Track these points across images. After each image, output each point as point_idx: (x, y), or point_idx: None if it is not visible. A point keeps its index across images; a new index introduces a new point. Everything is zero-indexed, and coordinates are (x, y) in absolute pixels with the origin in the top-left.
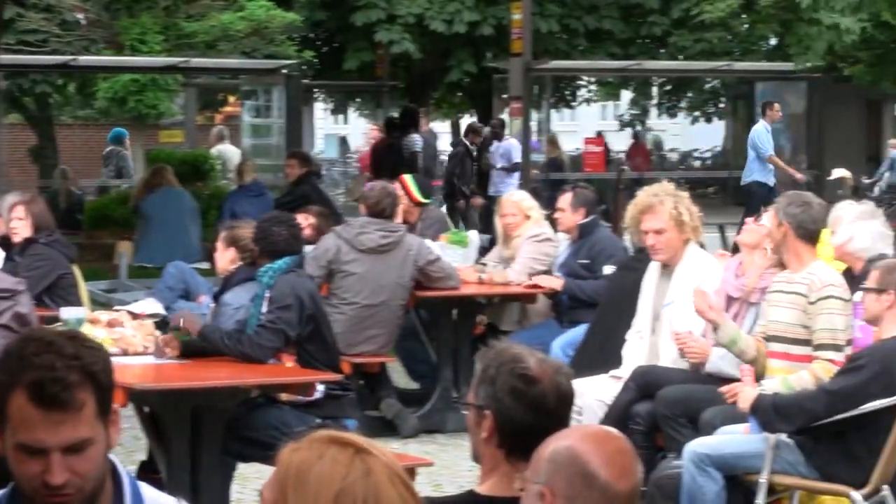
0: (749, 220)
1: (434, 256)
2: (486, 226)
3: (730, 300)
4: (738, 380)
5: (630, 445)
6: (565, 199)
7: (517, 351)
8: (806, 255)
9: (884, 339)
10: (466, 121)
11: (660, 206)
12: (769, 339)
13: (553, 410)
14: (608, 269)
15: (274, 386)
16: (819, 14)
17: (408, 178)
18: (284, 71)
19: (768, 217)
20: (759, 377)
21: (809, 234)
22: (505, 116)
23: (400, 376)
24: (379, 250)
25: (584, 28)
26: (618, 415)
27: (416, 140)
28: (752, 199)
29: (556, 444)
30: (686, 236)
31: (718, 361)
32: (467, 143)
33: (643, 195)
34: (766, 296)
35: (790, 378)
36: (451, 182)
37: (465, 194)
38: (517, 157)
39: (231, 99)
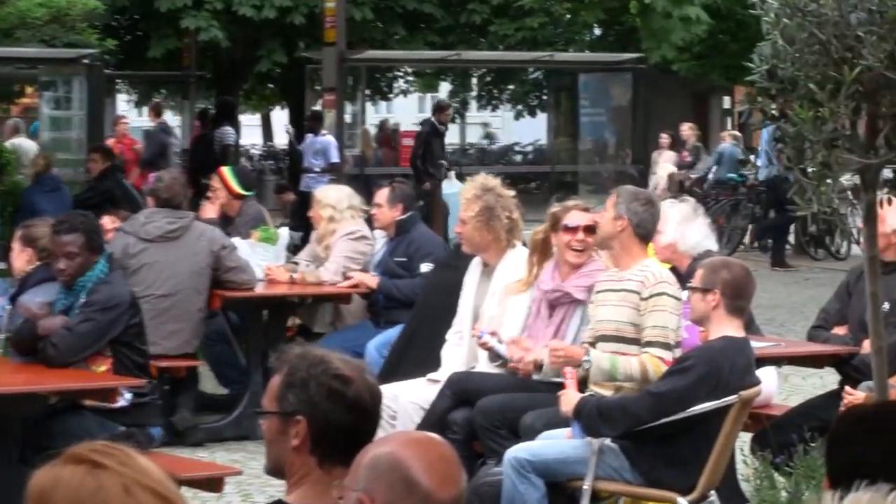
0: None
1: (228, 243)
2: (298, 222)
3: (553, 307)
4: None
5: (454, 452)
6: (382, 195)
7: (319, 352)
8: (638, 253)
9: (711, 340)
10: (278, 114)
11: (473, 198)
12: (599, 339)
13: (370, 410)
14: (425, 268)
15: (72, 392)
16: (669, 5)
17: (226, 170)
18: (85, 60)
19: (609, 205)
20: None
21: (646, 235)
22: (319, 108)
23: (209, 381)
24: (168, 237)
25: (403, 10)
26: (434, 422)
27: (228, 133)
28: None
29: (376, 449)
30: (498, 236)
31: (546, 369)
32: (434, 121)
33: (466, 185)
34: (594, 296)
35: (619, 359)
36: (414, 164)
37: (436, 177)
38: (335, 157)
39: (28, 90)
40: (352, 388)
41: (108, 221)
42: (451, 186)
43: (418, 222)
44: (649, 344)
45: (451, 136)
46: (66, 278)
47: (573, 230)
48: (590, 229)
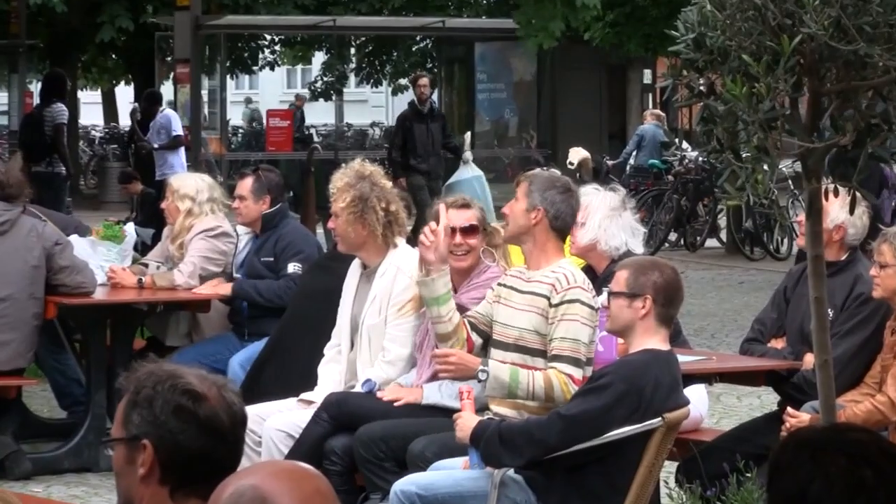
0: None
1: (63, 240)
2: (148, 217)
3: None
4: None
5: (330, 486)
6: (245, 186)
7: (171, 367)
8: (554, 251)
9: (631, 354)
10: (123, 90)
11: (345, 187)
12: (497, 346)
13: (228, 432)
14: (293, 268)
15: None
16: None
17: None
18: None
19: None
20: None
21: (563, 229)
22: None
23: (42, 403)
24: None
25: None
26: (309, 450)
27: (60, 111)
28: None
29: (239, 482)
30: (374, 231)
31: (435, 393)
32: (415, 99)
33: (337, 173)
34: (494, 287)
35: (520, 372)
36: (390, 156)
37: (419, 170)
38: (177, 130)
39: None
40: (204, 405)
41: None
42: (468, 171)
43: (288, 216)
44: (556, 358)
45: (326, 116)
46: None
47: (452, 232)
48: (469, 231)
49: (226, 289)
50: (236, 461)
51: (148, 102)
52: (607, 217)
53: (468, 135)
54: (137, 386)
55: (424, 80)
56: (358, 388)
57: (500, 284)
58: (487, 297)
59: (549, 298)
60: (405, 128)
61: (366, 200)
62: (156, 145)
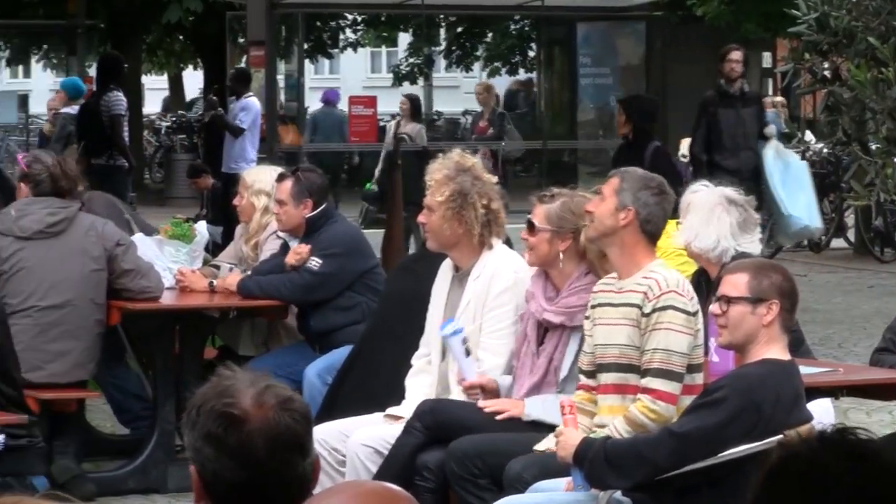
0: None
1: (125, 240)
2: (220, 214)
3: (545, 330)
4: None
5: None
6: (284, 189)
7: (227, 382)
8: (643, 255)
9: (748, 365)
10: (191, 75)
11: (444, 179)
12: (600, 369)
13: (264, 460)
14: (311, 263)
15: None
16: None
17: None
18: None
19: (608, 191)
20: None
21: (655, 233)
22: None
23: (105, 418)
24: (48, 233)
25: None
26: (400, 467)
27: (117, 99)
28: None
29: None
30: (471, 230)
31: (538, 408)
32: (721, 79)
33: (434, 164)
34: (589, 311)
35: (604, 436)
36: (691, 150)
37: (728, 169)
38: (245, 122)
39: None
40: (237, 431)
41: None
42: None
43: (334, 217)
44: (646, 372)
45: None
46: None
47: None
48: (529, 227)
49: (231, 283)
50: (284, 490)
51: (237, 82)
52: (703, 217)
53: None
54: (190, 405)
55: (737, 55)
56: (447, 332)
57: (593, 306)
58: (587, 330)
59: (641, 308)
60: (709, 115)
61: (465, 196)
62: (245, 126)
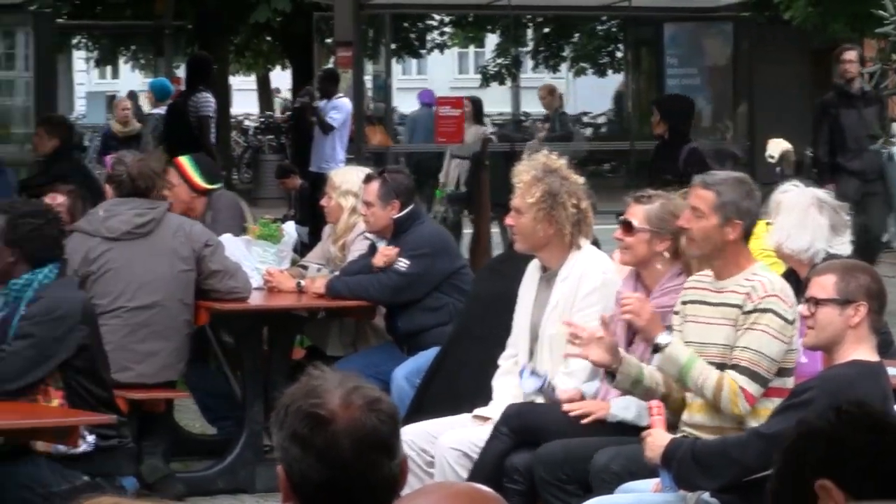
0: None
1: (213, 240)
2: (306, 214)
3: (635, 331)
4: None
5: None
6: (371, 191)
7: (315, 382)
8: (746, 258)
9: (836, 366)
10: (279, 75)
11: (533, 181)
12: None
13: (350, 461)
14: (399, 264)
15: (21, 431)
16: None
17: (185, 160)
18: (32, 7)
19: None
20: (671, 424)
21: (751, 232)
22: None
23: (193, 417)
24: (136, 233)
25: None
26: (488, 469)
27: (205, 100)
28: None
29: None
30: (562, 230)
31: (622, 412)
32: (840, 79)
33: (521, 165)
34: (679, 307)
35: (700, 362)
36: (815, 153)
37: (852, 171)
38: (335, 120)
39: None
40: (324, 432)
41: (49, 200)
42: None
43: (421, 218)
44: (734, 367)
45: (500, 103)
46: None
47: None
48: (625, 226)
49: (319, 285)
50: (371, 490)
51: (327, 82)
52: (795, 217)
53: None
54: (278, 405)
55: (851, 55)
56: (524, 381)
57: (684, 302)
58: (676, 325)
59: (741, 307)
60: (830, 117)
61: (555, 196)
62: (336, 125)
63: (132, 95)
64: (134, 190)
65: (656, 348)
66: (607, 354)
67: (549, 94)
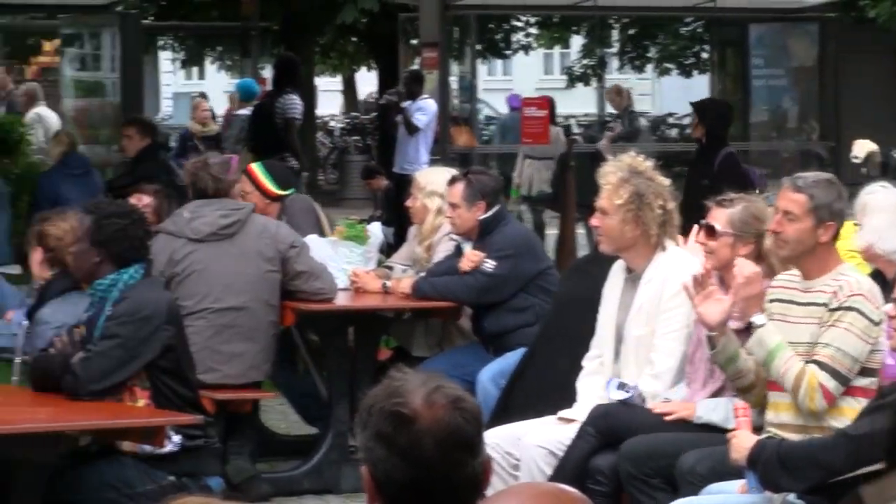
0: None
1: (298, 241)
2: (392, 215)
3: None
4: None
5: None
6: (456, 192)
7: (404, 382)
8: (835, 258)
9: None
10: (364, 76)
11: (620, 182)
12: None
13: (434, 461)
14: (486, 265)
15: (108, 431)
16: None
17: (257, 168)
18: (118, 8)
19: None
20: (757, 426)
21: (837, 232)
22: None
23: (279, 418)
24: (221, 235)
25: None
26: (573, 470)
27: (292, 102)
28: None
29: None
30: (648, 231)
31: (708, 413)
32: None
33: (607, 166)
34: (767, 305)
35: (787, 351)
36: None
37: None
38: (420, 122)
39: (47, 46)
40: (408, 431)
41: (134, 202)
42: None
43: (506, 219)
44: (816, 363)
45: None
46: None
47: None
48: (708, 230)
49: (405, 286)
50: (455, 490)
51: (413, 83)
52: (886, 218)
53: None
54: (362, 405)
55: None
56: (610, 391)
57: (770, 300)
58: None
59: (827, 305)
60: None
61: (642, 197)
62: (421, 125)
63: (204, 96)
64: (201, 192)
65: (749, 327)
66: (718, 315)
67: (618, 95)
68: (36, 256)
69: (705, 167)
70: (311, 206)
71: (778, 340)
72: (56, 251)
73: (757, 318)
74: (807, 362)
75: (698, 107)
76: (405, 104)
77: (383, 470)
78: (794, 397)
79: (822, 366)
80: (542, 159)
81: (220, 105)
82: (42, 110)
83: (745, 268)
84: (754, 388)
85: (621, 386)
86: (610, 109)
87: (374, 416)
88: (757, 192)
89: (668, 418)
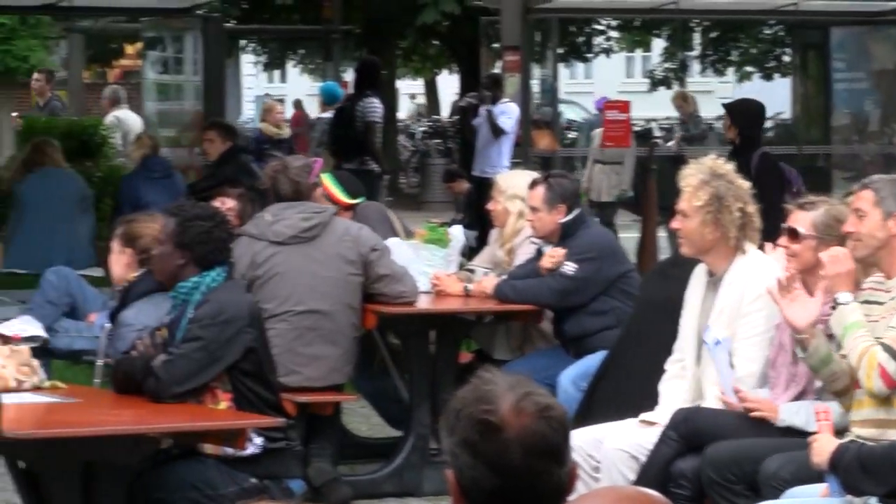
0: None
1: (380, 245)
2: (474, 218)
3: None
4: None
5: None
6: (537, 196)
7: (492, 387)
8: None
9: None
10: (446, 79)
11: (700, 184)
12: None
13: (521, 468)
14: (566, 268)
15: (190, 434)
16: None
17: (327, 179)
18: (201, 11)
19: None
20: (839, 430)
21: None
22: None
23: (360, 420)
24: (303, 237)
25: None
26: (655, 474)
27: (372, 106)
28: None
29: None
30: (727, 234)
31: (791, 417)
32: None
33: (687, 169)
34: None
35: (861, 331)
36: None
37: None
38: (504, 124)
39: (129, 49)
40: (495, 439)
41: (217, 205)
42: None
43: (587, 222)
44: (881, 344)
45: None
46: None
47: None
48: (790, 234)
49: (487, 289)
50: (540, 498)
51: (495, 86)
52: None
53: None
54: (448, 409)
55: None
56: (710, 341)
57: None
58: None
59: None
60: None
61: (722, 200)
62: (508, 129)
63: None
64: (287, 194)
65: (835, 304)
66: (806, 318)
67: (683, 101)
68: (122, 259)
69: (739, 169)
70: (384, 213)
71: (856, 318)
72: (144, 251)
73: (842, 296)
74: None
75: (730, 108)
76: (488, 107)
77: (469, 477)
78: (856, 374)
79: (885, 347)
80: (611, 164)
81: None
82: (121, 113)
83: (834, 250)
84: (850, 391)
85: (717, 342)
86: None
87: (461, 421)
88: (795, 191)
89: (752, 415)
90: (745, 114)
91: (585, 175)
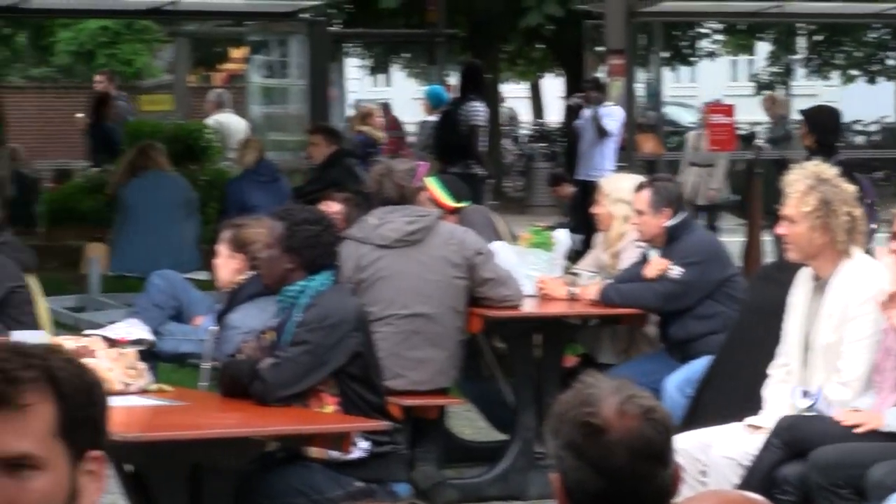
0: None
1: (485, 248)
2: (579, 221)
3: None
4: None
5: None
6: (643, 199)
7: (595, 390)
8: None
9: None
10: (550, 83)
11: (807, 190)
12: None
13: (625, 471)
14: (673, 272)
15: (296, 437)
16: None
17: (432, 182)
18: (306, 15)
19: None
20: None
21: None
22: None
23: (464, 424)
24: (407, 241)
25: None
26: (760, 480)
27: (476, 109)
28: None
29: None
30: (834, 238)
31: None
32: None
33: (793, 174)
34: None
35: None
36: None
37: None
38: (609, 126)
39: (235, 53)
40: (600, 441)
41: (324, 207)
42: None
43: (692, 226)
44: None
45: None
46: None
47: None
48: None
49: (592, 292)
50: (644, 501)
51: (599, 89)
52: None
53: None
54: (554, 412)
55: None
56: (796, 400)
57: None
58: None
59: None
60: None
61: (829, 204)
62: (614, 133)
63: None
64: (390, 198)
65: None
66: None
67: (773, 104)
68: (231, 263)
69: None
70: (489, 216)
71: None
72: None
73: None
74: None
75: (807, 115)
76: (585, 114)
77: (574, 479)
78: None
79: None
80: (706, 166)
81: (406, 112)
82: (222, 116)
83: None
84: None
85: (805, 394)
86: (793, 116)
87: (565, 424)
88: (869, 202)
89: (856, 430)
90: (822, 121)
91: (680, 178)
